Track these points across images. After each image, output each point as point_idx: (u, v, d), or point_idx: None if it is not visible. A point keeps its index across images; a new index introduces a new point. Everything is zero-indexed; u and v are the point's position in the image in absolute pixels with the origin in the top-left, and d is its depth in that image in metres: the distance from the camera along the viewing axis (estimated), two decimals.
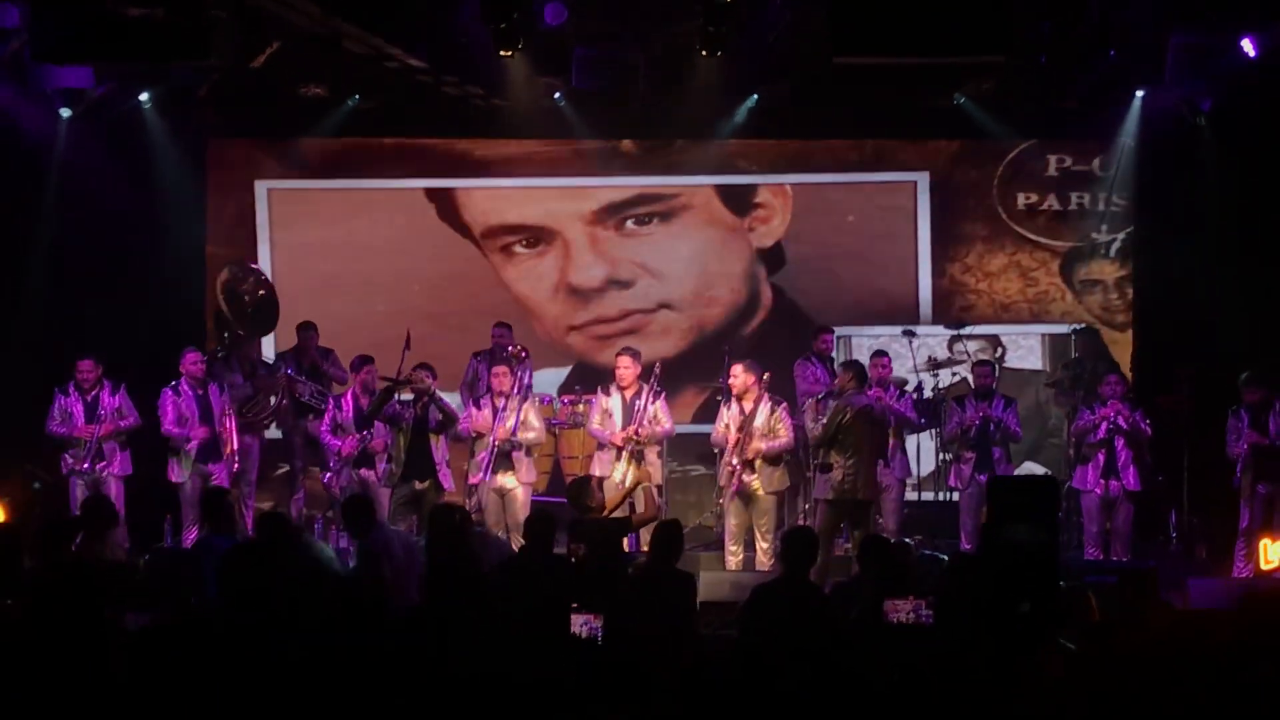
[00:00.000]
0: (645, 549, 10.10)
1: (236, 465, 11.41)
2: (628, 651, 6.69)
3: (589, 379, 12.89)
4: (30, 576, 6.75)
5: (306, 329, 12.69)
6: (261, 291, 12.76)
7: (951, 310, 13.65)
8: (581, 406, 12.29)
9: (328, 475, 11.45)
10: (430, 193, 14.01)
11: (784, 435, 10.83)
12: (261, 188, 13.89)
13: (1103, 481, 11.22)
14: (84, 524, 9.11)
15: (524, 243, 13.98)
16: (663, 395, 11.21)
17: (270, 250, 13.86)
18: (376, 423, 11.05)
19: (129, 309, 12.52)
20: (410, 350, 11.20)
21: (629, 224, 13.95)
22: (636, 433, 10.89)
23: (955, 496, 11.83)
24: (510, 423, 10.92)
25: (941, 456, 12.30)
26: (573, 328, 13.96)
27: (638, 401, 11.02)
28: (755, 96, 13.01)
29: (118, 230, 12.77)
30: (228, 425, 11.42)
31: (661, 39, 12.06)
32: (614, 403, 11.15)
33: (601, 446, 11.19)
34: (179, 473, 11.33)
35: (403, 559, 8.68)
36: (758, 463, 10.70)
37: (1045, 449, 13.20)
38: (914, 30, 9.59)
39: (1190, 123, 12.71)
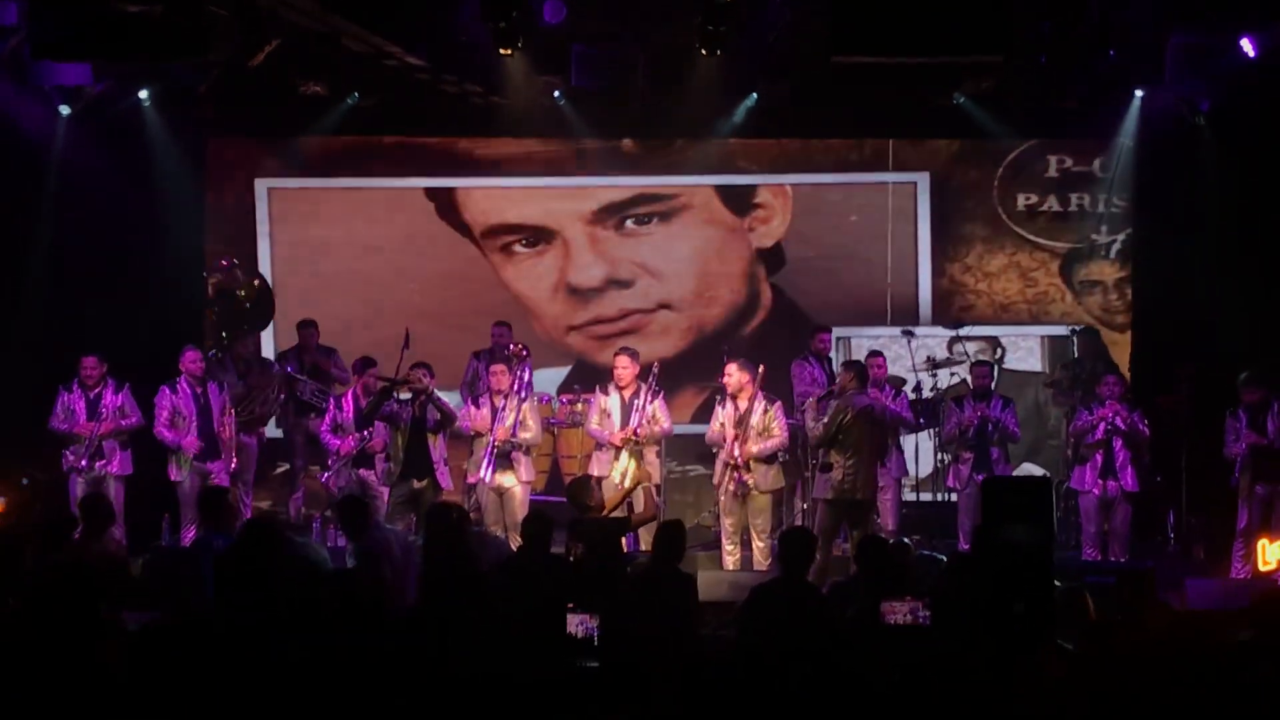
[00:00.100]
0: (644, 548, 10.12)
1: (234, 464, 11.40)
2: (627, 651, 6.69)
3: (588, 379, 12.89)
4: (27, 575, 6.74)
5: (306, 326, 12.71)
6: (256, 282, 12.79)
7: (951, 310, 13.66)
8: (580, 406, 12.29)
9: (326, 475, 11.44)
10: (430, 192, 14.02)
11: (778, 434, 10.83)
12: (262, 186, 13.90)
13: (1101, 482, 11.22)
14: (81, 522, 9.11)
15: (524, 242, 13.98)
16: (661, 395, 11.20)
17: (270, 249, 13.86)
18: (376, 422, 11.04)
19: (128, 307, 12.51)
20: (409, 349, 11.20)
21: (629, 224, 13.95)
22: (635, 432, 10.89)
23: (954, 497, 11.83)
24: (509, 422, 10.92)
25: (939, 457, 12.31)
26: (572, 327, 13.96)
27: (636, 401, 11.02)
28: (754, 96, 13.00)
29: (117, 228, 12.76)
30: (226, 424, 11.42)
31: (661, 38, 12.06)
32: (612, 402, 11.15)
33: (600, 446, 11.19)
34: (177, 471, 11.32)
35: (400, 559, 8.68)
36: (752, 462, 10.70)
37: (1044, 450, 13.20)
38: (913, 30, 9.58)
39: (1190, 123, 12.71)
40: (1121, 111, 12.94)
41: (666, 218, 13.99)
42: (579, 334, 13.96)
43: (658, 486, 10.92)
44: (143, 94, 12.69)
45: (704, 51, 11.62)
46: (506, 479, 10.95)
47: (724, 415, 10.89)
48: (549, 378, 13.48)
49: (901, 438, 11.95)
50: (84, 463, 11.18)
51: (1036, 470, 12.87)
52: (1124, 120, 13.02)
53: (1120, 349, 13.49)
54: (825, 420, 10.36)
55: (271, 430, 12.90)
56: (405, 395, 11.01)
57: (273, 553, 7.59)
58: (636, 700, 5.14)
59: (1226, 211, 12.67)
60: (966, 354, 12.80)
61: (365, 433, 11.06)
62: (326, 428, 11.33)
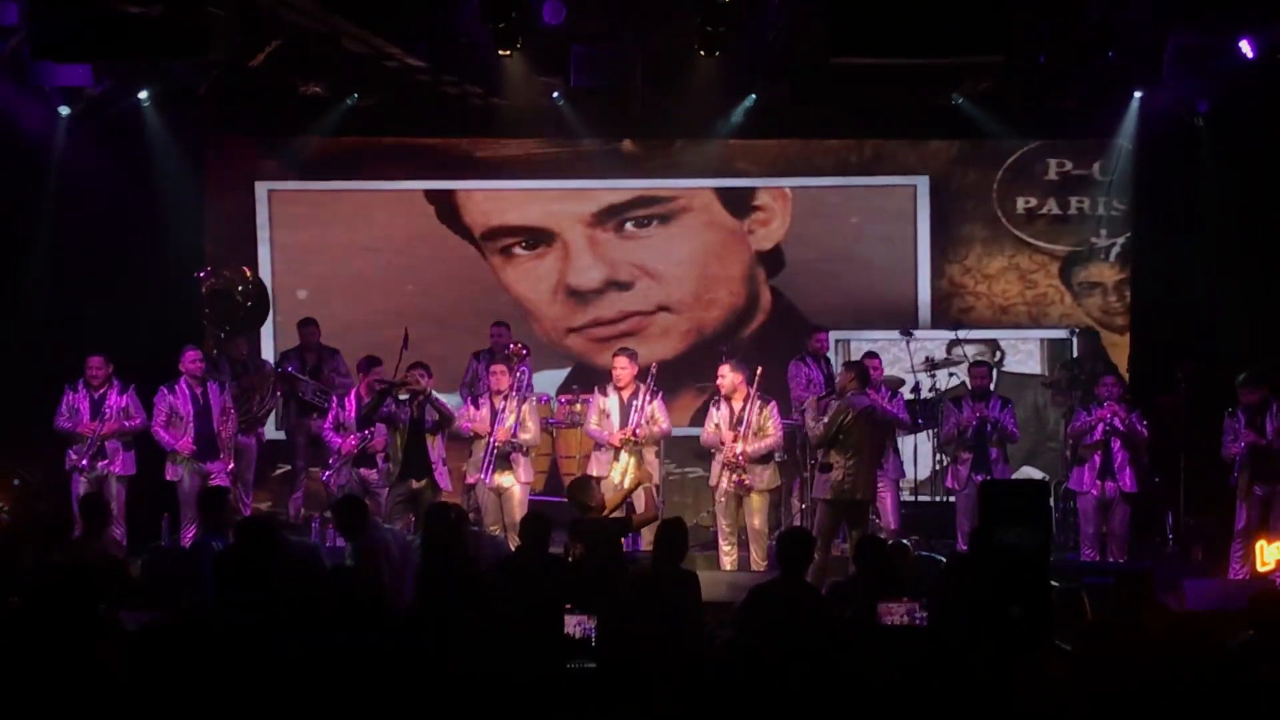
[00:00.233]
0: (645, 548, 10.12)
1: (231, 464, 11.39)
2: (626, 652, 6.70)
3: (588, 380, 12.90)
4: (26, 575, 6.75)
5: (307, 324, 12.72)
6: (249, 275, 12.81)
7: (951, 312, 13.66)
8: (579, 406, 12.30)
9: (327, 473, 11.45)
10: (430, 194, 14.03)
11: (772, 434, 10.84)
12: (262, 189, 13.91)
13: (1099, 483, 11.22)
14: (80, 522, 9.12)
15: (523, 244, 13.99)
16: (660, 395, 11.21)
17: (270, 251, 13.87)
18: (378, 423, 11.06)
19: (128, 307, 12.51)
20: (408, 349, 11.22)
21: (628, 226, 13.96)
22: (634, 433, 10.90)
23: (953, 498, 11.83)
24: (509, 423, 10.93)
25: (938, 458, 12.32)
26: (571, 329, 13.97)
27: (635, 401, 11.03)
28: (753, 97, 13.00)
29: (117, 228, 12.76)
30: (226, 424, 11.42)
31: (660, 38, 12.06)
32: (611, 403, 11.16)
33: (599, 446, 11.20)
34: (174, 471, 11.33)
35: (398, 558, 8.69)
36: (748, 462, 10.72)
37: (1044, 453, 13.19)
38: (912, 31, 9.58)
39: (1188, 123, 12.71)
40: (1121, 112, 12.96)
41: (666, 220, 14.00)
42: (578, 336, 13.97)
43: (657, 487, 10.93)
44: (143, 94, 12.69)
45: (703, 52, 11.63)
46: (505, 479, 10.97)
47: (719, 417, 10.90)
48: (548, 379, 13.49)
49: (899, 439, 11.95)
50: (85, 463, 11.19)
51: (1036, 474, 12.88)
52: (1123, 121, 13.04)
53: (1119, 351, 13.50)
54: (826, 420, 10.37)
55: (273, 433, 12.92)
56: (404, 396, 11.01)
57: (270, 552, 7.59)
58: (635, 700, 5.14)
59: (1225, 212, 12.68)
60: (965, 355, 12.81)
61: (367, 432, 11.08)
62: (329, 426, 11.35)
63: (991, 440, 11.58)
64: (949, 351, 12.97)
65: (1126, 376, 12.85)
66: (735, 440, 10.70)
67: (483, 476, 10.91)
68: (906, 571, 8.55)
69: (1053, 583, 7.30)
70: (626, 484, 10.38)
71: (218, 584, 5.91)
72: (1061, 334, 13.45)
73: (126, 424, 11.34)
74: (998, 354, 13.47)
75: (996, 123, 13.09)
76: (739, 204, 13.98)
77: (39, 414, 11.64)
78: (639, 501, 10.12)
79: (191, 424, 11.32)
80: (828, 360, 12.35)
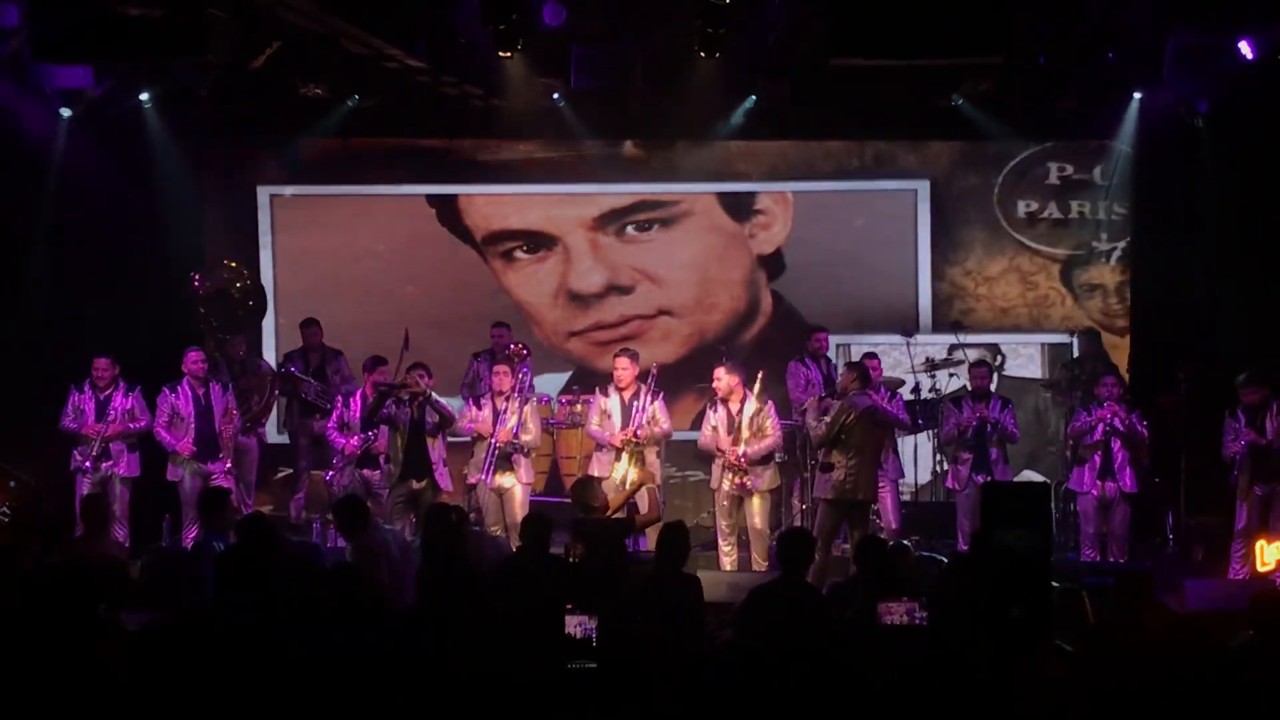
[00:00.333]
0: (648, 549, 10.12)
1: (229, 464, 11.38)
2: (627, 652, 6.70)
3: (589, 384, 12.88)
4: (24, 575, 6.74)
5: (310, 325, 12.72)
6: (242, 270, 12.81)
7: (951, 315, 13.65)
8: (579, 407, 12.31)
9: (330, 473, 11.46)
10: (431, 198, 14.04)
11: (771, 434, 10.84)
12: (264, 194, 13.91)
13: (1099, 483, 11.21)
14: (81, 523, 9.12)
15: (525, 248, 14.00)
16: (661, 396, 11.22)
17: (272, 256, 13.87)
18: (379, 424, 11.08)
19: (128, 309, 12.50)
20: (409, 350, 11.24)
21: (630, 230, 13.97)
22: (635, 433, 10.90)
23: (953, 498, 11.83)
24: (511, 424, 10.94)
25: (938, 458, 12.32)
26: (573, 333, 13.97)
27: (636, 402, 11.03)
28: (754, 98, 13.00)
29: (117, 230, 12.76)
30: (227, 425, 11.41)
31: (660, 39, 12.06)
32: (612, 403, 11.16)
33: (600, 447, 11.20)
34: (175, 472, 11.33)
35: (399, 559, 8.68)
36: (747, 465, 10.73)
37: (1045, 457, 13.18)
38: (912, 32, 9.58)
39: (1188, 124, 12.70)
40: (1120, 113, 12.96)
41: (667, 224, 14.00)
42: (579, 340, 13.97)
43: (659, 487, 10.94)
44: (143, 96, 12.69)
45: (703, 54, 11.63)
46: (506, 480, 10.98)
47: (716, 419, 10.90)
48: (549, 383, 13.48)
49: (898, 440, 11.96)
50: (88, 464, 11.19)
51: (1037, 477, 12.86)
52: (1123, 122, 13.04)
53: (1121, 353, 13.48)
54: (828, 420, 10.38)
55: (275, 436, 12.92)
56: (404, 397, 11.01)
57: (270, 551, 7.60)
58: (636, 701, 5.15)
59: (1225, 212, 12.66)
60: (965, 356, 12.81)
61: (370, 433, 11.09)
62: (333, 426, 11.36)
63: (992, 441, 11.57)
64: (949, 352, 12.98)
65: (1127, 377, 12.84)
66: (736, 443, 10.69)
67: (484, 477, 10.92)
68: (908, 572, 8.55)
69: (1053, 584, 7.30)
70: (629, 485, 10.39)
71: (218, 584, 5.91)
72: (1062, 338, 13.44)
73: (131, 426, 11.34)
74: (998, 358, 13.47)
75: (996, 124, 13.08)
76: (740, 208, 13.99)
77: (39, 415, 11.64)
78: (642, 502, 10.12)
79: (193, 425, 11.32)
80: (828, 360, 12.34)
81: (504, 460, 10.96)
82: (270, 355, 13.43)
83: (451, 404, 11.38)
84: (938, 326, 13.57)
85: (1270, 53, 11.36)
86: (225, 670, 4.64)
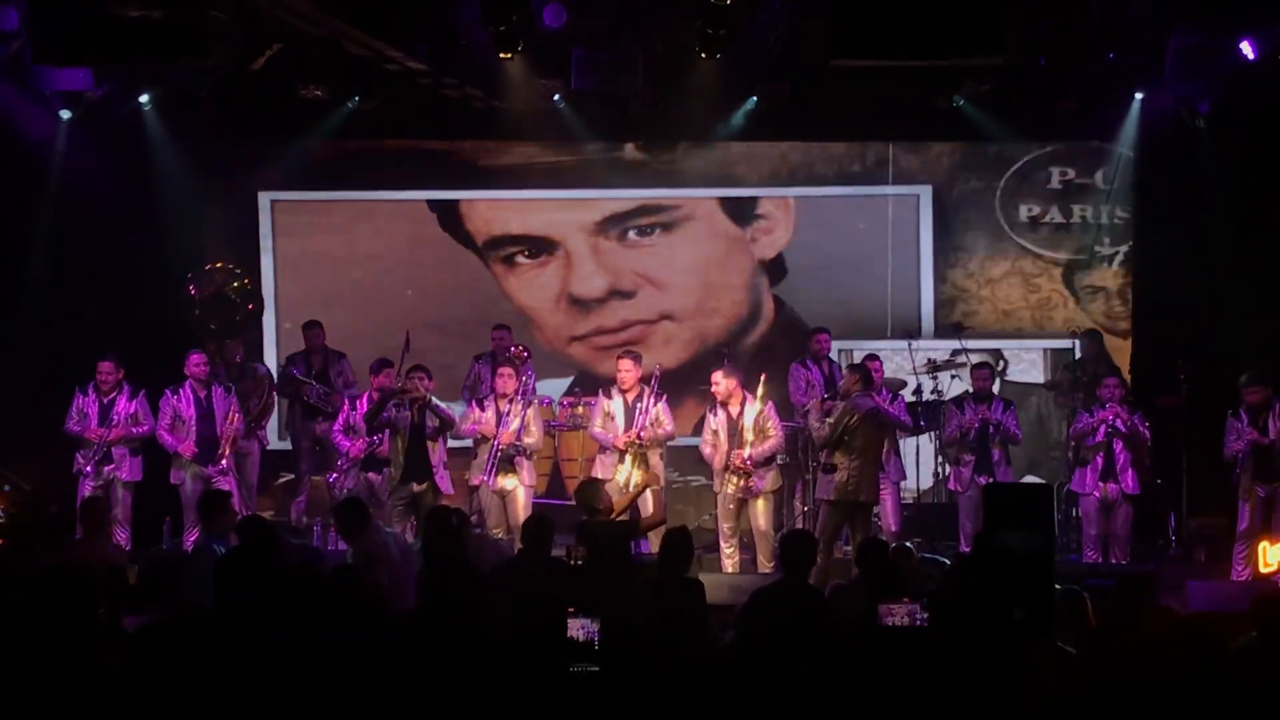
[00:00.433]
0: (649, 552, 10.12)
1: (222, 464, 11.34)
2: (632, 656, 6.68)
3: (590, 389, 12.87)
4: (21, 578, 6.73)
5: (312, 327, 12.72)
6: (236, 270, 12.83)
7: (953, 316, 13.64)
8: (581, 409, 12.30)
9: (333, 475, 11.47)
10: (433, 203, 14.04)
11: (774, 434, 10.84)
12: (265, 199, 13.91)
13: (1101, 484, 11.21)
14: (80, 525, 9.10)
15: (526, 253, 14.00)
16: (664, 398, 11.21)
17: (273, 260, 13.87)
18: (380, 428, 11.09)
19: (129, 311, 12.49)
20: (410, 352, 11.24)
21: (631, 234, 13.97)
22: (639, 435, 10.89)
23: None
24: (514, 426, 10.94)
25: (940, 460, 12.31)
26: (574, 338, 13.97)
27: (639, 404, 11.02)
28: (754, 99, 13.00)
29: (117, 232, 12.76)
30: (229, 427, 11.39)
31: (660, 40, 12.06)
32: (616, 405, 11.16)
33: (604, 449, 11.19)
34: (178, 474, 11.33)
35: (399, 562, 8.67)
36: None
37: (1047, 462, 13.16)
38: (912, 32, 9.57)
39: (1189, 125, 12.70)
40: (1121, 113, 12.95)
41: (669, 228, 14.00)
42: (581, 344, 13.97)
43: (662, 489, 10.94)
44: (143, 98, 12.68)
45: (704, 55, 11.63)
46: (508, 482, 10.98)
47: (716, 423, 10.89)
48: (551, 388, 13.44)
49: (900, 441, 11.96)
50: (90, 468, 11.18)
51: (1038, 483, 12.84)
52: (1124, 123, 13.04)
53: (1123, 355, 13.47)
54: (831, 421, 10.38)
55: (276, 442, 12.92)
56: (404, 401, 11.01)
57: (271, 551, 7.58)
58: (637, 704, 5.14)
59: (1227, 213, 12.66)
60: (966, 358, 12.79)
61: (376, 437, 11.10)
62: (339, 429, 11.37)
63: (994, 442, 11.56)
64: (951, 354, 12.96)
65: (1129, 379, 12.83)
66: (740, 445, 10.68)
67: (486, 479, 10.92)
68: (910, 574, 8.54)
69: (1055, 585, 7.28)
70: (632, 487, 10.39)
71: (218, 586, 5.90)
72: (1065, 343, 13.42)
73: (134, 430, 11.33)
74: (1001, 363, 13.45)
75: (997, 124, 13.07)
76: (742, 212, 13.99)
77: (40, 417, 11.64)
78: (646, 505, 10.11)
79: (194, 427, 11.32)
80: (830, 361, 12.33)
81: (506, 462, 10.97)
82: (271, 359, 13.43)
83: (453, 408, 11.37)
84: (940, 332, 13.55)
85: (1271, 53, 11.34)
86: (225, 671, 4.63)
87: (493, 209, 14.04)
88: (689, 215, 14.00)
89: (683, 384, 13.10)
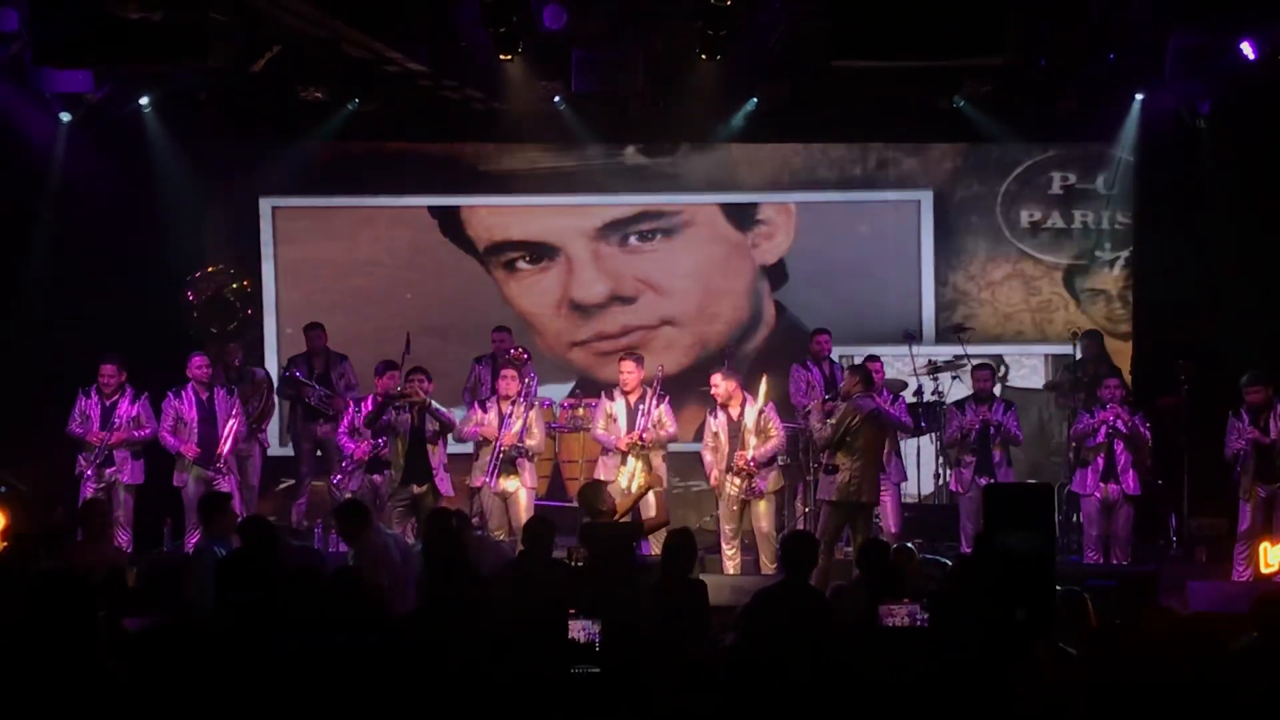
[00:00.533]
0: (655, 553, 10.11)
1: (222, 465, 11.33)
2: (634, 657, 6.68)
3: (591, 394, 12.86)
4: (18, 580, 6.73)
5: (313, 329, 12.71)
6: (234, 274, 12.83)
7: (954, 319, 13.62)
8: (581, 410, 12.31)
9: (338, 476, 11.48)
10: (434, 208, 14.03)
11: (776, 434, 10.84)
12: (266, 205, 13.91)
13: (1102, 485, 11.20)
14: (80, 528, 9.09)
15: (527, 258, 14.01)
16: (667, 399, 11.21)
17: (274, 266, 13.87)
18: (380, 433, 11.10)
19: (129, 314, 12.50)
20: (410, 354, 11.25)
21: (632, 240, 13.97)
22: (641, 437, 10.89)
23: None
24: (516, 428, 10.95)
25: (940, 461, 12.30)
26: (575, 343, 13.98)
27: (641, 406, 11.02)
28: (754, 100, 13.00)
29: (118, 234, 12.76)
30: (230, 430, 11.38)
31: (661, 40, 12.06)
32: (618, 407, 11.16)
33: (606, 451, 11.19)
34: (180, 476, 11.33)
35: (400, 564, 8.66)
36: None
37: (1048, 468, 13.11)
38: (912, 33, 9.56)
39: (1190, 125, 12.69)
40: (1121, 114, 12.96)
41: (670, 234, 14.00)
42: (582, 350, 13.97)
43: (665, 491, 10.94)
44: (143, 100, 12.69)
45: (704, 56, 11.63)
46: (510, 484, 10.99)
47: (716, 425, 10.88)
48: (552, 393, 13.42)
49: (901, 443, 11.95)
50: (90, 471, 11.18)
51: None
52: (1124, 123, 13.04)
53: (1124, 357, 13.46)
54: (833, 422, 10.38)
55: (277, 449, 12.93)
56: (403, 405, 11.02)
57: (271, 551, 7.58)
58: (638, 705, 5.14)
59: (1229, 213, 12.65)
60: (967, 358, 12.79)
61: (381, 440, 11.11)
62: (344, 430, 11.39)
63: (995, 443, 11.56)
64: (953, 356, 12.95)
65: (1129, 379, 12.82)
66: (743, 447, 10.67)
67: (488, 480, 10.93)
68: (911, 575, 8.54)
69: (1056, 586, 7.28)
70: (635, 488, 10.39)
71: (219, 588, 5.89)
72: (1065, 349, 13.36)
73: (136, 434, 11.33)
74: (1002, 369, 13.43)
75: (997, 125, 13.07)
76: (742, 218, 14.00)
77: (40, 420, 11.64)
78: (649, 506, 10.11)
79: (196, 430, 11.32)
80: (831, 361, 12.33)
81: (508, 464, 10.98)
82: (272, 365, 13.43)
83: (453, 411, 11.38)
84: (941, 337, 13.52)
85: (1271, 53, 11.33)
86: (225, 673, 4.63)
87: (494, 214, 14.04)
88: (690, 220, 13.99)
89: (683, 390, 13.06)
